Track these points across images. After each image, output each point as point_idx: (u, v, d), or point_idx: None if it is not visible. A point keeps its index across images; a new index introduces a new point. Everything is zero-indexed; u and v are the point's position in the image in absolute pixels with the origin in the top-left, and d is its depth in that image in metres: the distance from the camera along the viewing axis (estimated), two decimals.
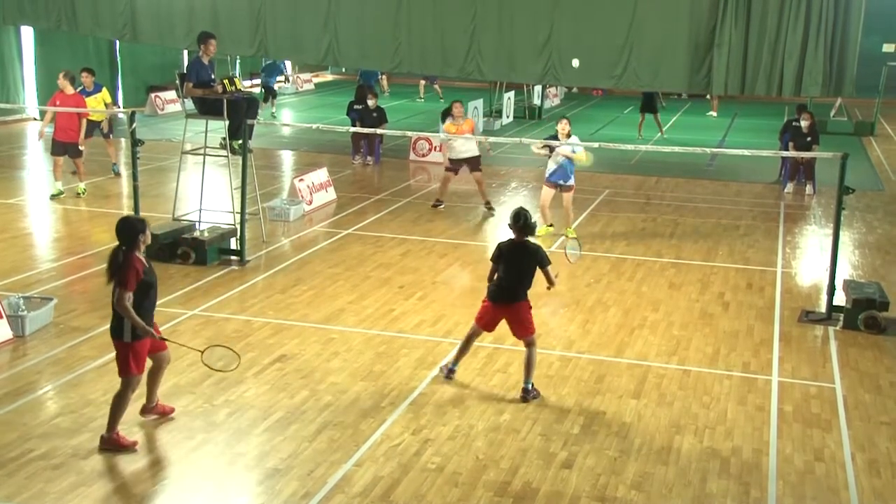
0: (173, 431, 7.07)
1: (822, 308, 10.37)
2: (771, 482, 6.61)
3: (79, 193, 15.27)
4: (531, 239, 7.95)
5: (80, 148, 15.28)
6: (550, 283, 8.00)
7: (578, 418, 7.52)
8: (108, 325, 9.22)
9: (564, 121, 13.30)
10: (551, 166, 13.38)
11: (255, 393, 7.82)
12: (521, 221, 7.82)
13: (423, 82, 33.16)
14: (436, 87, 33.13)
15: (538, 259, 7.83)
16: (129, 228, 7.21)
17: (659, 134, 23.97)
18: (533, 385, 7.93)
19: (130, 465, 6.53)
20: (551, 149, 13.23)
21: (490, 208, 15.05)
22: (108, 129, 17.47)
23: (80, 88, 16.34)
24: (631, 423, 7.48)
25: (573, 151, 13.12)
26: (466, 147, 14.99)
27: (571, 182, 13.42)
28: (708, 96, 29.36)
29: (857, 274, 12.04)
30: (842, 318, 9.96)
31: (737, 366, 8.81)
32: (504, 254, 7.86)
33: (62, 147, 15.10)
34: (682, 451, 7.03)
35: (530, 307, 7.96)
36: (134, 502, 6.08)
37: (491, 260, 8.00)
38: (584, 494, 6.33)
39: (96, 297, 10.15)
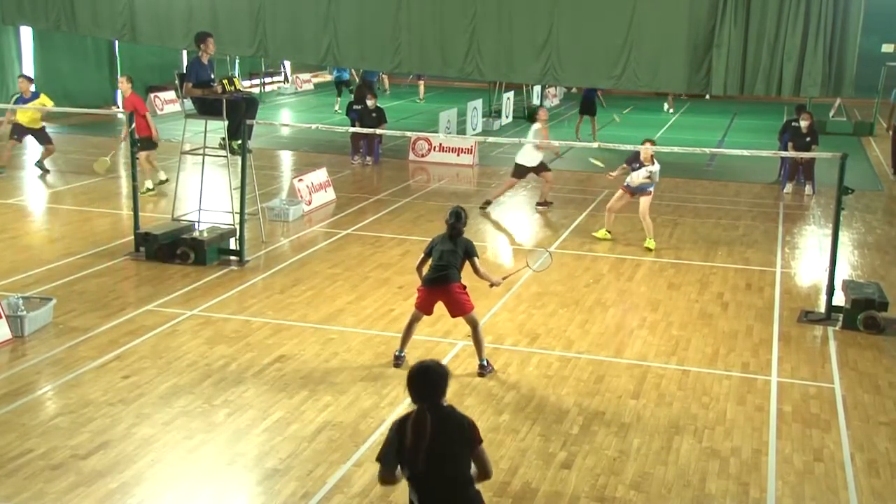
0: (173, 432, 7.07)
1: (822, 308, 10.37)
2: (770, 482, 6.61)
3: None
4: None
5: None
6: (477, 273, 8.31)
7: (578, 418, 7.53)
8: (107, 325, 9.27)
9: (648, 143, 12.81)
10: (630, 181, 13.07)
11: (254, 393, 7.82)
12: (452, 220, 8.24)
13: (420, 82, 33.17)
14: (420, 83, 33.18)
15: (464, 248, 8.25)
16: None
17: (591, 138, 23.46)
18: (487, 360, 8.36)
19: (129, 465, 6.53)
20: (633, 168, 12.95)
21: (546, 203, 15.28)
22: (46, 139, 17.35)
23: (16, 96, 16.72)
24: (630, 423, 7.48)
25: (649, 177, 12.82)
26: (531, 157, 14.96)
27: (651, 189, 13.09)
28: (669, 94, 29.45)
29: (856, 274, 12.04)
30: (841, 319, 9.96)
31: (736, 366, 8.81)
32: (436, 245, 8.29)
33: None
34: (681, 451, 7.03)
35: (463, 287, 8.26)
36: (133, 502, 6.08)
37: (423, 252, 8.39)
38: (584, 495, 6.33)
39: (95, 298, 10.16)
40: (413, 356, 8.69)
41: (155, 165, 16.11)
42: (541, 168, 15.31)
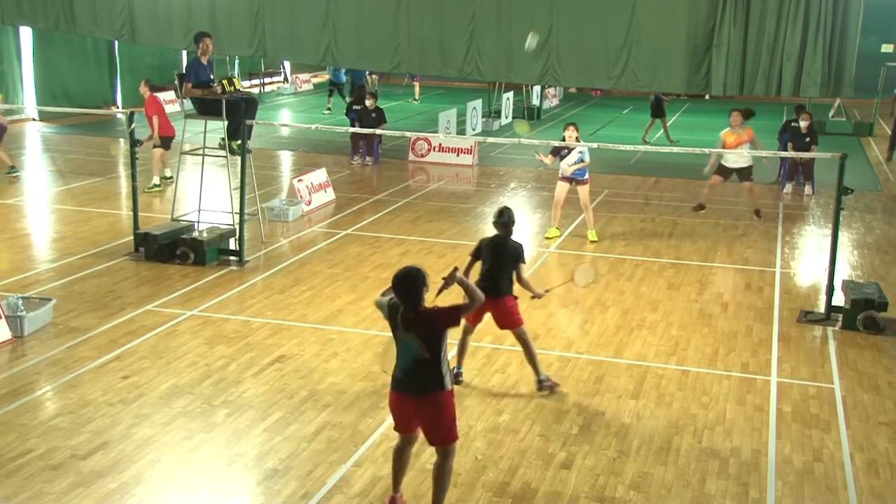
0: (172, 432, 7.06)
1: (821, 308, 10.37)
2: (770, 482, 6.61)
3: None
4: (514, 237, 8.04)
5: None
6: (520, 281, 7.97)
7: (577, 419, 7.53)
8: (107, 326, 9.27)
9: (571, 127, 12.86)
10: (562, 172, 13.21)
11: (253, 393, 7.82)
12: (503, 218, 7.90)
13: (416, 83, 33.16)
14: (416, 84, 33.17)
15: (515, 253, 7.90)
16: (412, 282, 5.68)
17: (667, 140, 23.69)
18: (547, 376, 8.03)
19: (129, 465, 6.53)
20: (560, 156, 13.09)
21: (758, 216, 14.75)
22: None
23: None
24: (630, 423, 7.48)
25: (581, 161, 12.94)
26: (738, 157, 14.40)
27: (586, 177, 13.23)
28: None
29: (855, 274, 12.04)
30: (840, 319, 9.96)
31: (735, 366, 8.81)
32: (484, 250, 7.93)
33: None
34: (680, 451, 7.03)
35: (515, 299, 7.98)
36: (133, 503, 6.08)
37: (470, 255, 8.05)
38: (583, 495, 6.33)
39: (95, 298, 10.16)
40: None
41: (166, 163, 16.25)
42: (745, 175, 14.78)
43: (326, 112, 27.88)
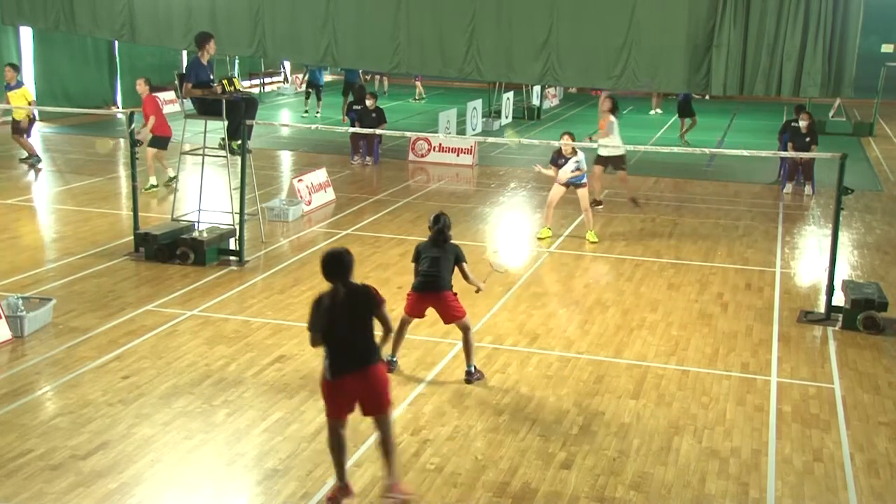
0: (172, 432, 7.06)
1: (821, 308, 10.37)
2: (770, 482, 6.61)
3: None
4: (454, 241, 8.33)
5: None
6: (467, 280, 8.25)
7: (577, 419, 7.53)
8: (107, 326, 9.27)
9: (566, 136, 12.87)
10: (561, 178, 13.22)
11: (253, 393, 7.82)
12: (439, 224, 8.18)
13: (417, 82, 33.16)
14: (417, 83, 33.14)
15: (455, 254, 8.19)
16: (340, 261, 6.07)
17: (680, 139, 23.71)
18: (476, 367, 8.25)
19: (129, 465, 6.53)
20: (557, 165, 13.16)
21: (635, 204, 15.14)
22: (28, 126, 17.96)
23: None
24: (630, 423, 7.48)
25: (577, 169, 13.02)
26: (610, 146, 14.62)
27: (584, 181, 13.33)
28: (654, 94, 29.40)
29: (855, 274, 12.04)
30: (840, 319, 9.96)
31: (736, 366, 8.81)
32: (422, 252, 8.24)
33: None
34: (680, 451, 7.03)
35: (455, 294, 8.18)
36: (133, 503, 6.08)
37: (413, 261, 8.35)
38: (583, 495, 6.33)
39: (95, 298, 10.16)
40: (412, 356, 8.69)
41: (164, 164, 16.20)
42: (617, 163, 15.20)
43: (304, 115, 27.27)
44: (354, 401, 6.02)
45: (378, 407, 6.02)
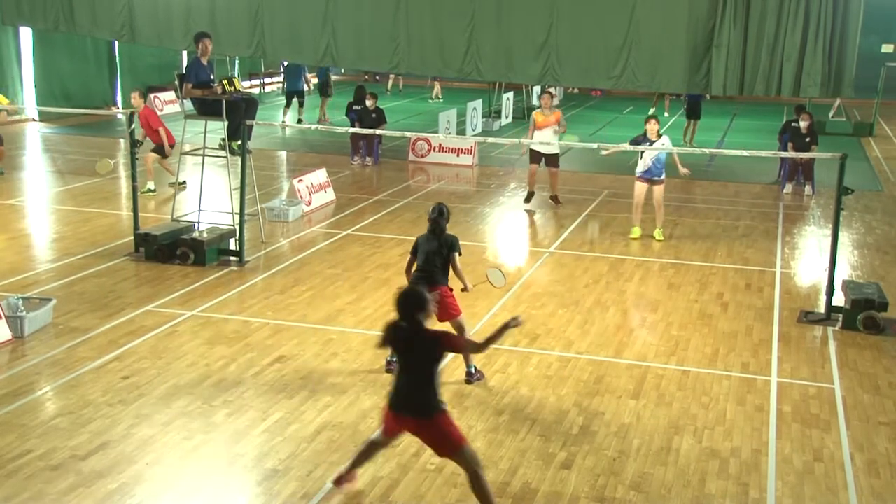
0: (172, 432, 7.06)
1: (821, 308, 10.37)
2: (770, 483, 6.61)
3: None
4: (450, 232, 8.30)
5: None
6: (455, 272, 8.19)
7: (577, 419, 7.53)
8: (107, 326, 9.27)
9: (654, 120, 13.16)
10: (641, 165, 13.37)
11: (253, 393, 7.82)
12: (434, 213, 8.16)
13: (436, 83, 32.95)
14: (436, 83, 33.00)
15: (449, 245, 8.12)
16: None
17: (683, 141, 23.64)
18: (476, 367, 8.22)
19: (129, 465, 6.53)
20: (637, 143, 13.23)
21: (556, 201, 15.46)
22: None
23: None
24: (630, 423, 7.48)
25: (661, 151, 13.13)
26: (546, 143, 14.87)
27: (663, 177, 13.43)
28: (664, 95, 29.38)
29: (855, 274, 12.04)
30: (841, 319, 9.96)
31: (736, 366, 8.81)
32: (420, 245, 8.19)
33: None
34: (680, 451, 7.03)
35: (450, 290, 8.15)
36: (133, 503, 6.07)
37: (410, 253, 8.29)
38: (583, 495, 6.33)
39: (95, 298, 10.16)
40: None
41: (171, 169, 16.07)
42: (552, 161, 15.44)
43: (282, 124, 24.48)
44: (401, 432, 6.06)
45: (444, 452, 5.89)
